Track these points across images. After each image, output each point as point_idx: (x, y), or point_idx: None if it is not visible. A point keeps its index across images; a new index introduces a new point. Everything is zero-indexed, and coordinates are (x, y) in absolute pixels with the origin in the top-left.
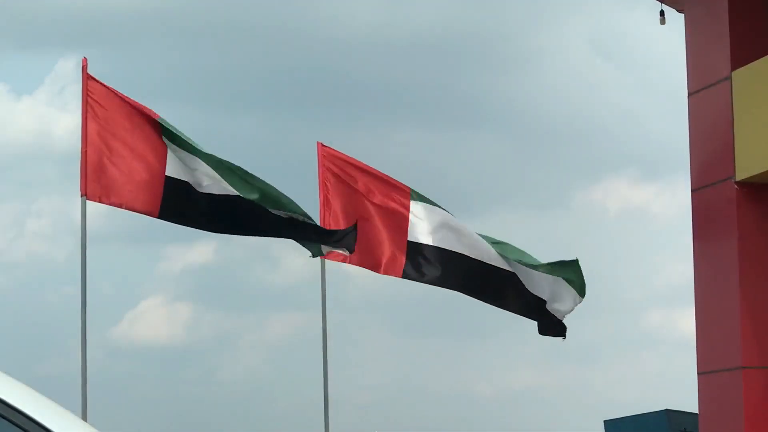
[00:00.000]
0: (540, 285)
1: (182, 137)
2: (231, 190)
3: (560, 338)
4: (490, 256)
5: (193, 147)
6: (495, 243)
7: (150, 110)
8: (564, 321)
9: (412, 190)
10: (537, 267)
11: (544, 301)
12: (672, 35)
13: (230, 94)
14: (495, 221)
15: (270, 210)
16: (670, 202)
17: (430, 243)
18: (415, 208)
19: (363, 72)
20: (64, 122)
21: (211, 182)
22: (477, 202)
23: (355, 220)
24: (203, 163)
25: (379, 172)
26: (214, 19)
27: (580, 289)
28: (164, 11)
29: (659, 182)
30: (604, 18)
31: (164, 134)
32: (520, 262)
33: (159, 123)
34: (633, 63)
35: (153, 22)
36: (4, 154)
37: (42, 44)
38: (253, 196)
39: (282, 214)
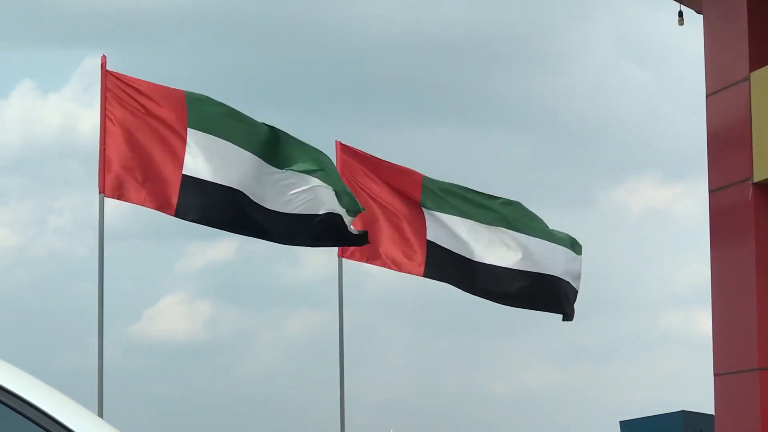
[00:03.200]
0: (548, 259)
1: (215, 114)
2: (259, 192)
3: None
4: (501, 257)
5: (227, 125)
6: (502, 205)
7: (175, 90)
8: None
9: (424, 196)
10: (537, 231)
11: (558, 278)
12: (697, 35)
13: (253, 90)
14: None
15: (292, 213)
16: (693, 203)
17: (446, 246)
18: (428, 211)
19: (387, 70)
20: (89, 119)
21: (240, 177)
22: None
23: (370, 222)
24: (236, 148)
25: (398, 166)
26: (238, 16)
27: (572, 245)
28: (189, 8)
29: (683, 183)
30: (630, 17)
31: (191, 121)
32: (523, 231)
33: (186, 112)
34: (658, 63)
35: (178, 19)
36: (29, 151)
37: (69, 41)
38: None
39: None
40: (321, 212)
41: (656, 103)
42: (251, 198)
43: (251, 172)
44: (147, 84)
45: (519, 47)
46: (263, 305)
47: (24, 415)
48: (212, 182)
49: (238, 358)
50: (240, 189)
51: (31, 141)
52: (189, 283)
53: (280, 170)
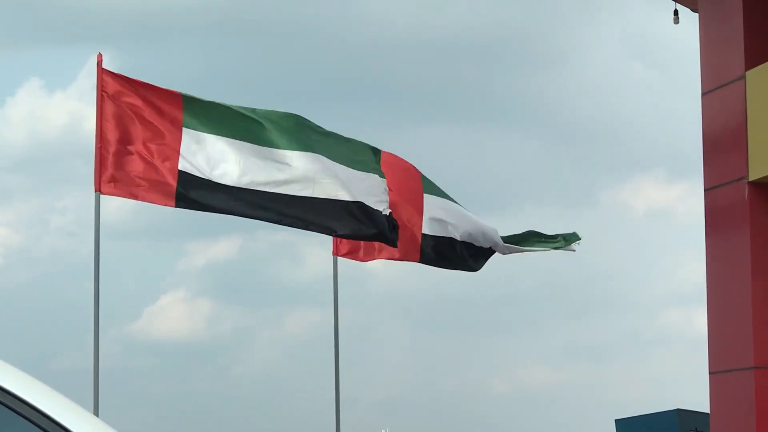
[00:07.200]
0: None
1: (213, 111)
2: (261, 182)
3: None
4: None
5: (225, 124)
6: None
7: (172, 91)
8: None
9: (425, 182)
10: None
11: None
12: (697, 34)
13: (249, 90)
14: (523, 218)
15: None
16: (696, 202)
17: (439, 234)
18: (428, 199)
19: (394, 70)
20: (94, 118)
21: (239, 173)
22: (506, 199)
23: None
24: (235, 142)
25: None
26: (240, 16)
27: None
28: (195, 8)
29: (686, 182)
30: (635, 16)
31: (187, 120)
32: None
33: (182, 111)
34: (663, 62)
35: (185, 18)
36: (35, 149)
37: (76, 40)
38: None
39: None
40: (341, 198)
41: (661, 101)
42: (257, 189)
43: (255, 163)
44: (143, 83)
45: (522, 46)
46: (263, 304)
47: (21, 415)
48: (209, 180)
49: (237, 356)
50: (239, 186)
51: (38, 139)
52: (189, 281)
53: (290, 150)
